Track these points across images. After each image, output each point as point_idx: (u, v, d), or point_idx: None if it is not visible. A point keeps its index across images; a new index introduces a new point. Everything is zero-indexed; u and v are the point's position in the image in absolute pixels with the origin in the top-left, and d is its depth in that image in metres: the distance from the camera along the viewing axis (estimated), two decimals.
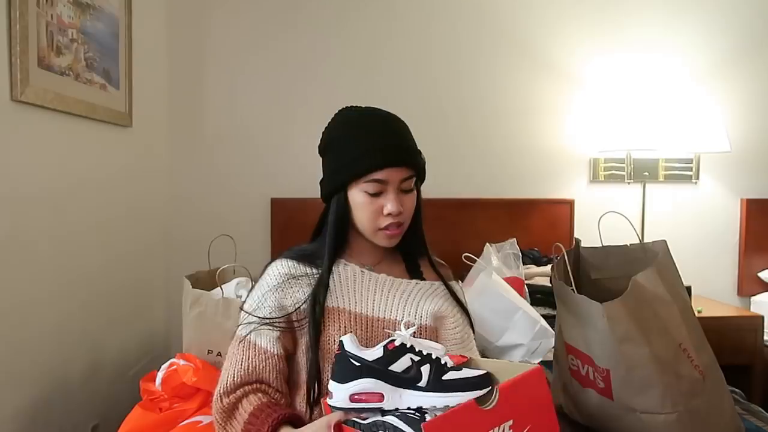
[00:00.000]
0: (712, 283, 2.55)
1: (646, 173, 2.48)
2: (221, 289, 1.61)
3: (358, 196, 0.96)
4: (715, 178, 2.59)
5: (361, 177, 0.94)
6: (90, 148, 1.83)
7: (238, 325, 0.97)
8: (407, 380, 0.80)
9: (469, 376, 0.79)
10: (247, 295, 1.01)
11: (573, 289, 1.15)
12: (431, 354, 0.82)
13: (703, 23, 2.54)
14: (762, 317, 2.19)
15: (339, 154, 0.98)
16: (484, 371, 0.81)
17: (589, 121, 2.52)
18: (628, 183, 2.50)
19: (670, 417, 1.07)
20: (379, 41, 2.49)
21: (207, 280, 1.72)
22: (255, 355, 0.92)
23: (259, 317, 0.94)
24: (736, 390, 1.48)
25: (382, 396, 0.79)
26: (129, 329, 2.10)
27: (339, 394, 0.81)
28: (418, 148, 1.01)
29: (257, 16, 2.44)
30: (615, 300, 1.06)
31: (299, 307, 0.96)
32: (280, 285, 0.97)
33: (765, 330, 2.19)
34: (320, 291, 0.96)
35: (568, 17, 2.52)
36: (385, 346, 0.82)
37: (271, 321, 0.93)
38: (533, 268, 2.27)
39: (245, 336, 0.93)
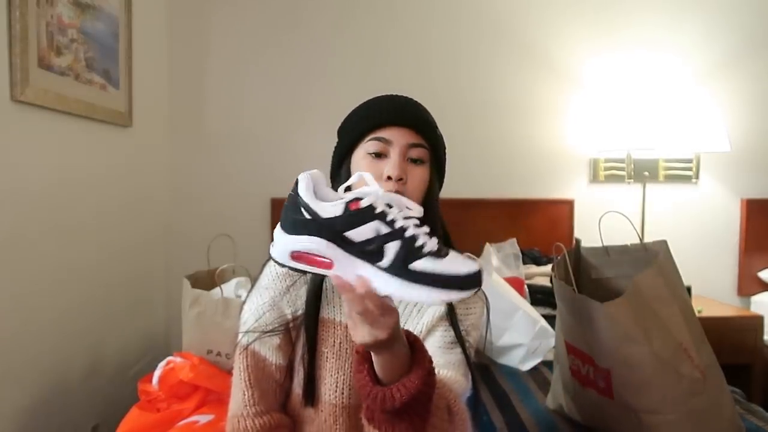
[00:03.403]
0: (712, 283, 2.55)
1: (646, 173, 2.48)
2: (221, 288, 1.61)
3: (361, 162, 0.86)
4: (715, 178, 2.59)
5: (363, 136, 0.86)
6: (90, 148, 1.83)
7: (239, 332, 0.92)
8: (365, 254, 0.63)
9: (447, 272, 0.61)
10: (247, 295, 0.96)
11: (574, 289, 1.15)
12: (405, 229, 0.63)
13: (704, 23, 2.54)
14: (762, 317, 2.19)
15: (345, 123, 0.93)
16: (476, 265, 0.63)
17: (589, 121, 2.52)
18: (628, 183, 2.50)
19: (670, 417, 1.07)
20: (379, 40, 2.49)
21: (206, 280, 1.72)
22: (254, 363, 0.88)
23: (258, 331, 0.89)
24: (736, 390, 1.48)
25: (331, 263, 0.63)
26: (129, 329, 2.09)
27: (279, 246, 0.65)
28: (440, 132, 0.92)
29: (258, 16, 2.44)
30: (615, 300, 1.06)
31: (296, 312, 0.90)
32: (278, 289, 0.91)
33: (765, 330, 2.19)
34: (312, 301, 0.88)
35: (568, 17, 2.52)
36: (347, 204, 0.64)
37: (271, 331, 0.88)
38: (533, 268, 2.27)
39: (246, 346, 0.89)
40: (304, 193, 0.65)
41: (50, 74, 1.57)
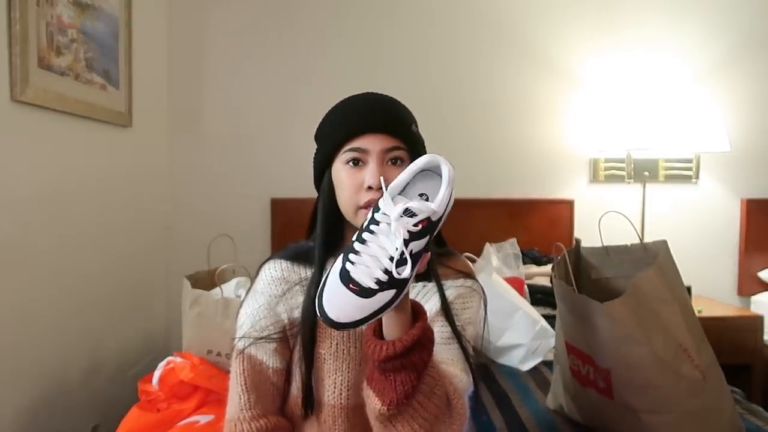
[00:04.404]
0: (712, 283, 2.55)
1: (646, 173, 2.47)
2: (221, 289, 1.61)
3: (341, 172, 0.86)
4: (715, 178, 2.58)
5: (340, 147, 0.86)
6: (90, 148, 1.83)
7: (234, 337, 0.91)
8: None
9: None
10: (244, 298, 0.95)
11: (574, 289, 1.15)
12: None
13: (704, 23, 2.54)
14: (762, 317, 2.19)
15: (321, 129, 0.93)
16: None
17: (589, 121, 2.52)
18: (628, 183, 2.50)
19: (670, 417, 1.07)
20: (378, 40, 2.49)
21: (207, 280, 1.72)
22: (251, 367, 0.88)
23: (254, 337, 0.88)
24: (737, 390, 1.48)
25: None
26: (129, 329, 2.09)
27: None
28: (418, 130, 0.92)
29: (258, 17, 2.44)
30: (615, 300, 1.06)
31: (292, 317, 0.89)
32: (273, 293, 0.90)
33: (765, 330, 2.19)
34: (310, 307, 0.86)
35: (568, 17, 2.52)
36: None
37: (267, 337, 0.88)
38: (533, 268, 2.27)
39: (243, 350, 0.88)
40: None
41: (50, 74, 1.57)
